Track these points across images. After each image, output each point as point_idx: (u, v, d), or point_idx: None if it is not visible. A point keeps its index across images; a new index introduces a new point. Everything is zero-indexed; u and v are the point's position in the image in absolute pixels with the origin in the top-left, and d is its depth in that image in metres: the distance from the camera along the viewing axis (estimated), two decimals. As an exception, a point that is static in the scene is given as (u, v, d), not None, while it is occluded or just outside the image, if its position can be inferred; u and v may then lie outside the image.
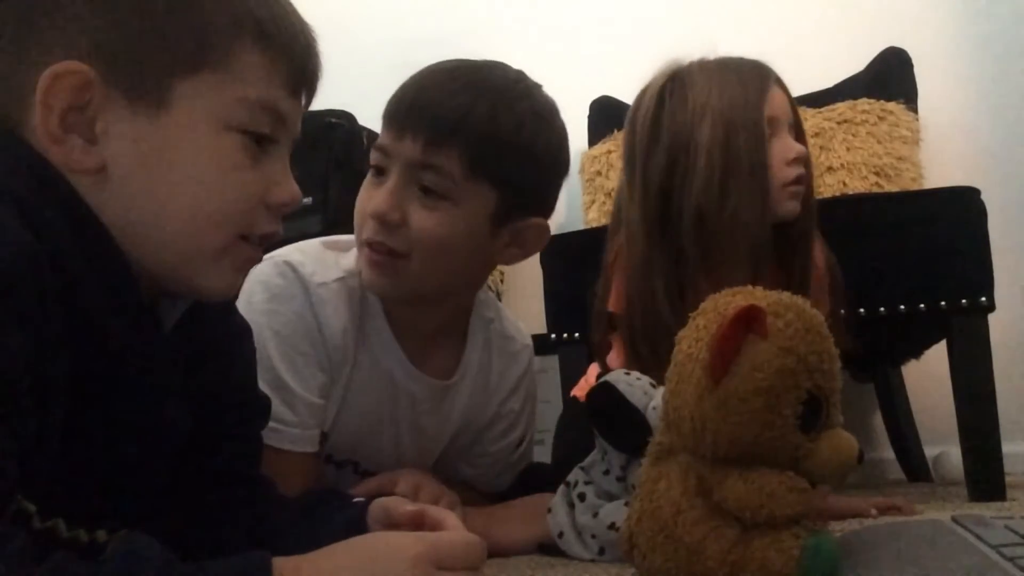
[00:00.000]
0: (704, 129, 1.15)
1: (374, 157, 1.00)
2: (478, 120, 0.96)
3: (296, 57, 0.68)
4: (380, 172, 1.00)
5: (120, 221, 0.62)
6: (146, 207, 0.63)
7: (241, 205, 0.66)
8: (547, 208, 1.07)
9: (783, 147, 1.19)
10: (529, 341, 1.22)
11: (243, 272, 0.69)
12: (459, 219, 0.98)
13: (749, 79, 1.20)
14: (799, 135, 1.24)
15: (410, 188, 0.97)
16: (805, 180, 1.21)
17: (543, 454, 1.45)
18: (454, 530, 0.65)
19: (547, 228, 1.06)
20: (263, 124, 0.66)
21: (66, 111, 0.60)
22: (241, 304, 0.95)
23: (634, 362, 1.14)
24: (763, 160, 1.16)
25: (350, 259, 1.05)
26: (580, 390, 1.38)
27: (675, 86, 1.21)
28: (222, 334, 0.78)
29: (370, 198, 0.99)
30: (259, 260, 0.71)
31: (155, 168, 0.62)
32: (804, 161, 1.21)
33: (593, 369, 1.40)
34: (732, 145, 1.15)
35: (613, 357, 1.33)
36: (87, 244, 0.60)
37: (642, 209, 1.19)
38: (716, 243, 1.15)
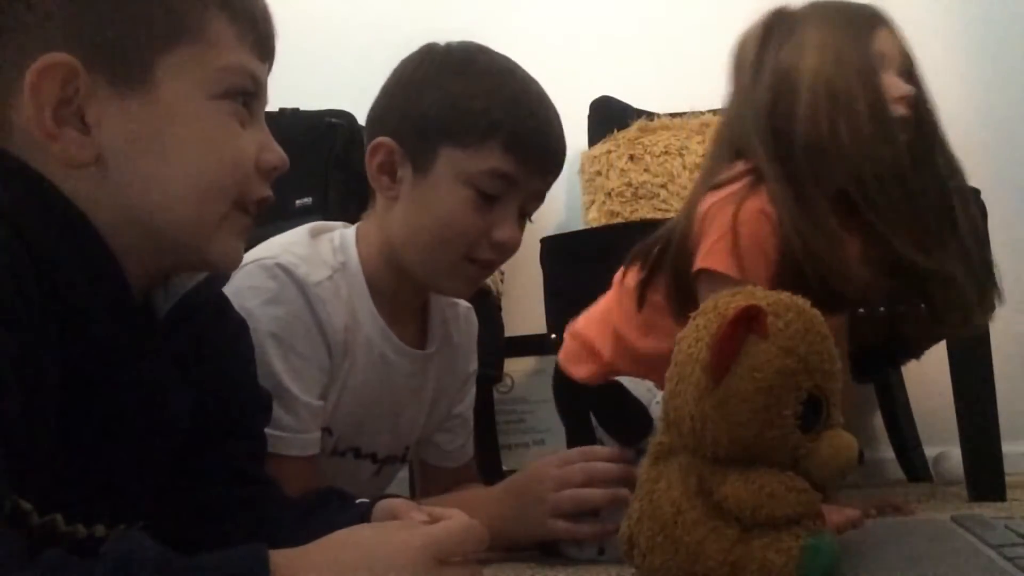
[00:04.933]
0: (808, 56, 1.15)
1: (493, 185, 1.00)
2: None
3: (259, 23, 0.69)
4: (493, 198, 1.01)
5: (122, 209, 0.63)
6: (147, 189, 0.63)
7: (238, 171, 0.67)
8: None
9: (891, 84, 1.17)
10: (467, 302, 1.22)
11: (242, 239, 0.70)
12: None
13: (857, 14, 1.20)
14: (912, 82, 1.20)
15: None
16: (909, 124, 1.17)
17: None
18: (455, 518, 0.65)
19: None
20: (245, 89, 0.67)
21: (57, 105, 0.60)
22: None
23: None
24: (877, 87, 1.14)
25: (326, 247, 1.06)
26: (577, 363, 1.34)
27: (781, 22, 1.21)
28: (218, 329, 0.78)
29: (482, 222, 1.01)
30: (253, 226, 0.71)
31: (152, 146, 0.63)
32: (911, 104, 1.17)
33: (572, 337, 1.35)
34: (840, 71, 1.14)
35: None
36: (71, 242, 0.60)
37: (763, 145, 1.16)
38: (830, 176, 1.12)
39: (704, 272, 1.12)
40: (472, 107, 1.00)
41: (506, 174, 1.00)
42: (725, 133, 1.25)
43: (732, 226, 1.10)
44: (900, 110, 1.16)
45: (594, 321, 1.34)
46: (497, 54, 1.07)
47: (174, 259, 0.68)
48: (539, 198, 1.07)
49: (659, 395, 0.95)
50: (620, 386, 0.95)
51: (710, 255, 1.11)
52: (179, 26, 0.63)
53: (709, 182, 1.19)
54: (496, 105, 1.00)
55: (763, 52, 1.19)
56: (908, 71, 1.20)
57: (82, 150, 0.61)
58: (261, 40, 0.69)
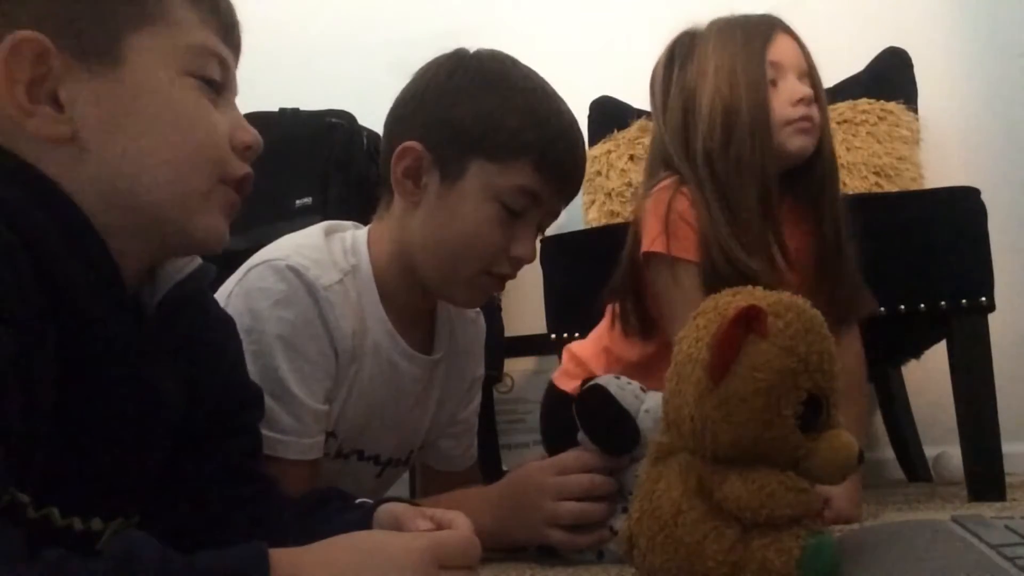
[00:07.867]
0: (707, 79, 1.24)
1: (518, 201, 1.01)
2: None
3: (221, 10, 0.71)
4: (516, 214, 1.02)
5: (103, 190, 0.63)
6: (125, 166, 0.64)
7: (213, 146, 0.68)
8: None
9: (788, 89, 1.24)
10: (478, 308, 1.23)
11: (228, 216, 0.71)
12: None
13: (753, 29, 1.26)
14: (814, 84, 1.27)
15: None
16: (814, 119, 1.24)
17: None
18: (458, 528, 0.65)
19: None
20: (213, 70, 0.69)
21: (30, 82, 0.61)
22: (243, 311, 0.94)
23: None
24: (762, 101, 1.21)
25: (337, 248, 1.05)
26: (568, 379, 1.38)
27: (683, 44, 1.30)
28: (206, 323, 0.78)
29: (504, 237, 1.02)
30: (238, 205, 0.72)
31: (125, 123, 0.64)
32: (811, 102, 1.24)
33: (569, 357, 1.41)
34: (733, 90, 1.22)
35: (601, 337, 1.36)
36: (64, 230, 0.60)
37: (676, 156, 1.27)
38: (727, 184, 1.20)
39: (647, 256, 1.23)
40: (507, 124, 1.00)
41: (533, 192, 1.01)
42: (653, 150, 1.35)
43: (665, 211, 1.21)
44: (799, 111, 1.23)
45: (589, 342, 1.41)
46: (527, 68, 1.07)
47: (159, 239, 0.68)
48: (555, 215, 1.09)
49: (647, 403, 0.95)
50: (607, 393, 0.95)
51: (650, 241, 1.22)
52: (143, 9, 0.65)
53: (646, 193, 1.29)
54: (530, 124, 1.00)
55: (670, 74, 1.30)
56: (808, 72, 1.27)
57: (58, 126, 0.62)
58: (225, 28, 0.71)
